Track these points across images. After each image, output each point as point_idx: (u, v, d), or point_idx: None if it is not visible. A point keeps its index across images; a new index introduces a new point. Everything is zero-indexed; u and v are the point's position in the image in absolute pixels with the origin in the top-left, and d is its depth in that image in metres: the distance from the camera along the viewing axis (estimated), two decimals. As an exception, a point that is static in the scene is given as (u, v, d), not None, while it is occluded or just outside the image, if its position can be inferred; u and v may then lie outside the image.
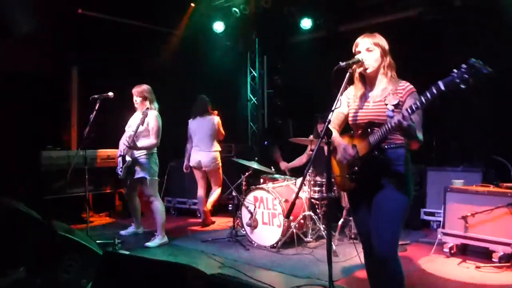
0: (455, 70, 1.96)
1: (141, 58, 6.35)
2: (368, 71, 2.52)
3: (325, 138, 2.37)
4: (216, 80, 7.45)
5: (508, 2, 5.00)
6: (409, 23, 6.04)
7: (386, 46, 2.53)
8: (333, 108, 2.34)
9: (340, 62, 2.40)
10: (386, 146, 2.45)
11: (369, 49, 2.50)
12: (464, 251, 4.29)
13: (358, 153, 2.50)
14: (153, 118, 4.65)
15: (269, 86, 8.35)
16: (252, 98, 8.40)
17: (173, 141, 5.68)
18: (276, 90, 8.26)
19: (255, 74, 8.32)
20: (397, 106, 2.35)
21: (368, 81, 2.60)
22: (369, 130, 2.44)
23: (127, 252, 4.31)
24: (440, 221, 4.67)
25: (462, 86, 1.94)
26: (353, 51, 2.59)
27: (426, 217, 5.32)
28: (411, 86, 2.44)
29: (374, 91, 2.56)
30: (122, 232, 5.15)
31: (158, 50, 6.61)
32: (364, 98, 2.58)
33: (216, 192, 5.59)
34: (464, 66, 1.99)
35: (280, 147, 6.03)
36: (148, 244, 4.64)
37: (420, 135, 2.33)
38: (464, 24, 5.50)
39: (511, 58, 4.92)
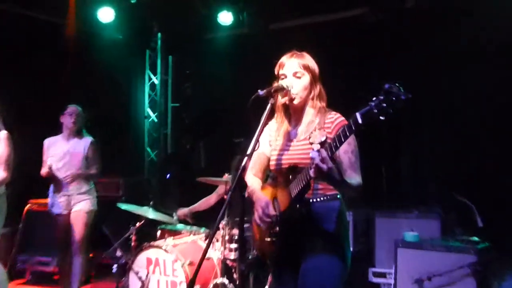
0: (374, 98, 2.10)
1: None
2: (294, 102, 2.63)
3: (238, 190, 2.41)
4: (100, 88, 7.30)
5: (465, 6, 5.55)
6: (351, 24, 6.49)
7: (317, 70, 2.68)
8: (248, 152, 2.39)
9: (259, 90, 2.48)
10: (313, 199, 2.57)
11: (296, 74, 2.62)
12: (420, 324, 4.54)
13: (280, 208, 2.58)
14: (2, 142, 4.44)
15: (175, 98, 8.34)
16: (151, 113, 8.32)
17: (32, 173, 5.41)
18: (184, 103, 8.26)
19: (156, 81, 8.26)
20: (325, 144, 2.45)
21: (293, 113, 2.72)
22: (290, 177, 2.54)
23: None
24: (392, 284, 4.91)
25: (382, 118, 2.08)
26: (276, 72, 2.70)
27: (375, 279, 5.54)
28: (342, 118, 2.59)
29: (300, 126, 2.69)
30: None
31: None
32: (287, 135, 2.70)
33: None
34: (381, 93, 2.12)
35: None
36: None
37: (355, 179, 2.49)
38: (414, 29, 5.99)
39: (468, 73, 5.44)
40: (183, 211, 5.36)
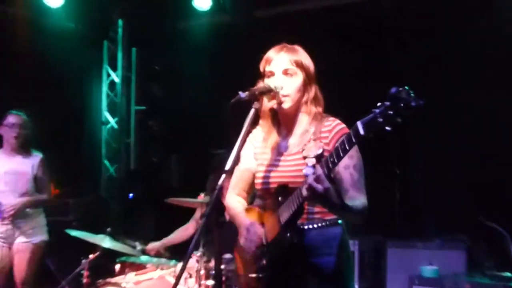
0: (379, 104, 2.06)
1: None
2: (284, 105, 2.59)
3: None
4: (47, 87, 7.25)
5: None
6: (355, 11, 6.55)
7: (312, 68, 2.64)
8: (227, 169, 2.34)
9: (241, 92, 2.43)
10: (308, 226, 2.53)
11: (288, 72, 2.58)
12: None
13: (267, 237, 2.55)
14: None
15: (139, 100, 8.32)
16: (110, 119, 8.28)
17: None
18: (151, 106, 8.26)
19: (116, 79, 8.24)
20: (321, 158, 2.39)
21: (283, 120, 2.70)
22: (279, 199, 2.50)
23: None
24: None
25: (388, 128, 2.03)
26: (262, 69, 2.66)
27: (386, 324, 5.52)
28: (341, 126, 2.56)
29: (291, 136, 2.66)
30: None
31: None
32: (276, 148, 2.67)
33: None
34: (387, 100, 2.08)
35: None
36: None
37: (359, 200, 2.45)
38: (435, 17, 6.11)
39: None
40: (154, 245, 5.29)
